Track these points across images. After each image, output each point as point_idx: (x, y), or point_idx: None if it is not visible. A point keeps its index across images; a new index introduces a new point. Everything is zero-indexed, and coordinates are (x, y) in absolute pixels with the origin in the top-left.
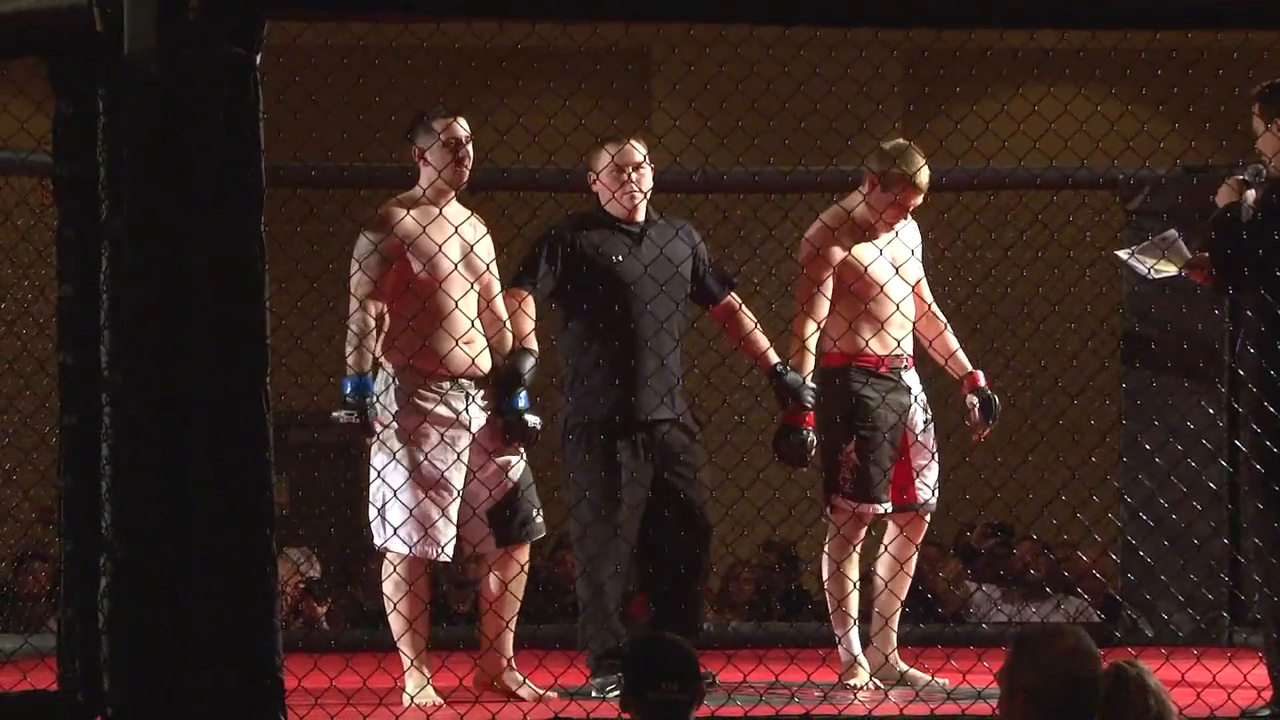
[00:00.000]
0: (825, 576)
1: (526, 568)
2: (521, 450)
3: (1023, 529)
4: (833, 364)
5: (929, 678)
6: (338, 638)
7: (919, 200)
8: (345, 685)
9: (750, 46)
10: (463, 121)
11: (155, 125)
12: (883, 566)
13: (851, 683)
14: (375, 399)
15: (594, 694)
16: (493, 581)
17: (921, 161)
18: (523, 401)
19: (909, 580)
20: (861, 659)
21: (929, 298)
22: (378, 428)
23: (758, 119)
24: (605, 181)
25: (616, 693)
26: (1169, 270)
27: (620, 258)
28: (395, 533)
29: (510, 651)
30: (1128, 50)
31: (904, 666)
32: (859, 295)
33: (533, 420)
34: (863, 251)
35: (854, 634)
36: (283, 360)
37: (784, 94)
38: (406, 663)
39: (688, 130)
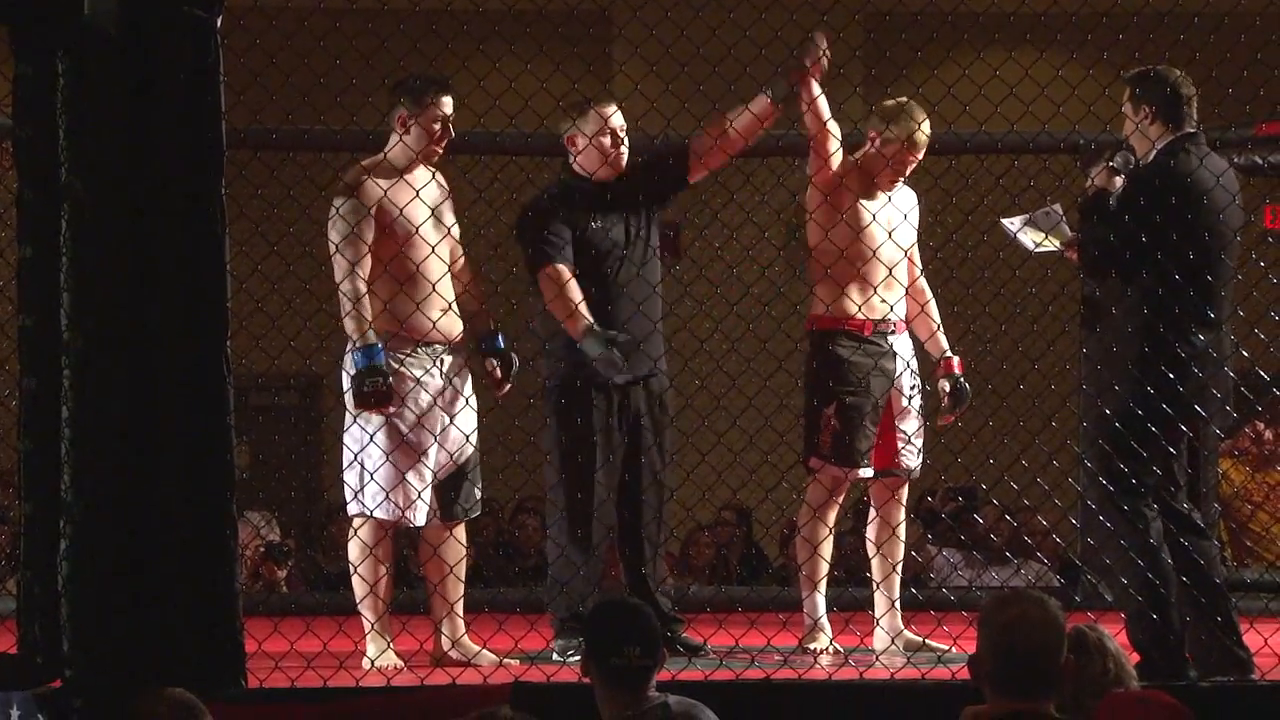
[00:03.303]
0: (799, 537)
1: (465, 544)
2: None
3: (984, 494)
4: (822, 327)
5: (921, 639)
6: (298, 601)
7: (916, 158)
8: (305, 648)
9: (712, 10)
10: (451, 100)
11: (115, 88)
12: (873, 534)
13: (812, 646)
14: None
15: (555, 657)
16: (434, 559)
17: (920, 120)
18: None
19: (902, 545)
20: (824, 623)
21: (919, 269)
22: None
23: (719, 82)
24: (595, 143)
25: (578, 657)
26: (1052, 247)
27: (600, 220)
28: (361, 496)
29: (462, 629)
30: (1089, 14)
31: (919, 638)
32: (850, 259)
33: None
34: (859, 211)
35: (819, 597)
36: (243, 323)
37: (745, 58)
38: (368, 626)
39: (649, 93)
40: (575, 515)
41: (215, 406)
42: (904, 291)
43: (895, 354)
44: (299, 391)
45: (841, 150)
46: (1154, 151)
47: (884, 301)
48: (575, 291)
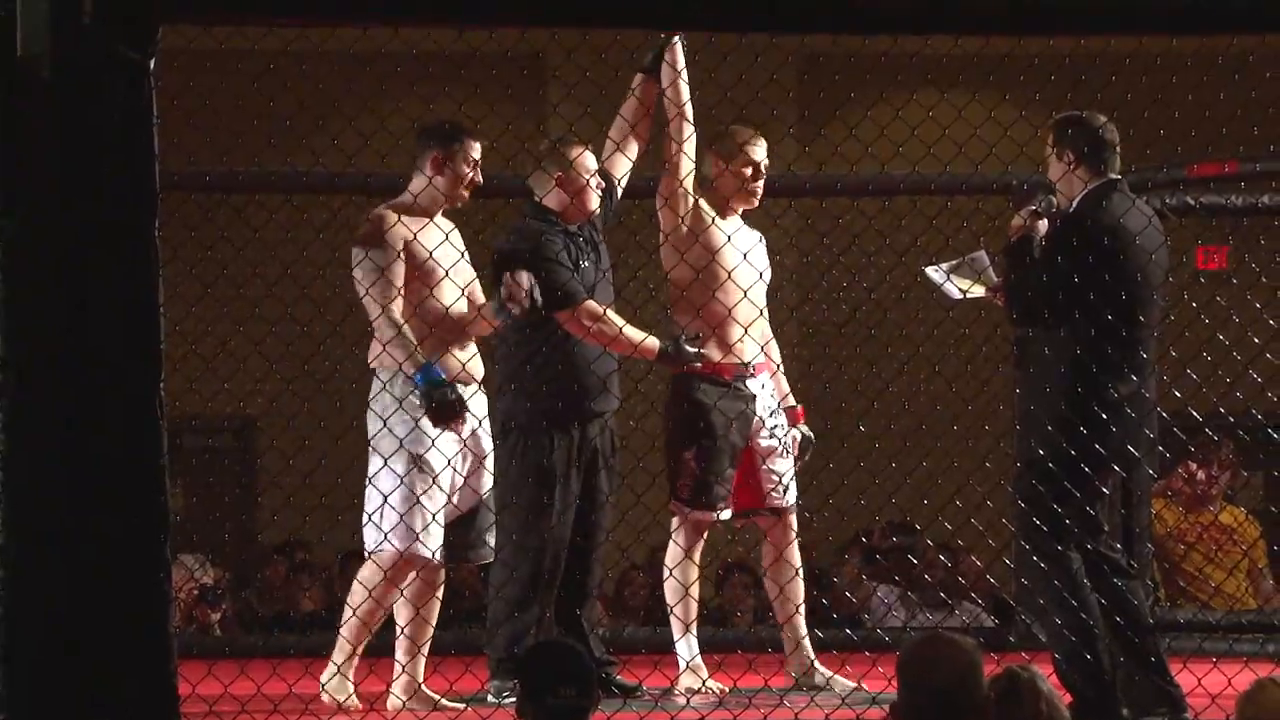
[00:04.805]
0: (665, 581)
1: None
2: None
3: (918, 533)
4: (679, 371)
5: (853, 684)
6: (232, 644)
7: (754, 170)
8: (239, 692)
9: (645, 52)
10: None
11: (48, 128)
12: (769, 573)
13: (687, 685)
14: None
15: (490, 698)
16: (407, 596)
17: (750, 133)
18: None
19: (800, 580)
20: (698, 663)
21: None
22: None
23: (653, 124)
24: (585, 184)
25: (513, 699)
26: (978, 293)
27: (586, 261)
28: (394, 534)
29: (421, 674)
30: (1021, 56)
31: (827, 673)
32: (706, 296)
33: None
34: (714, 237)
35: (692, 639)
36: (177, 365)
37: None
38: (341, 659)
39: (584, 135)
40: (519, 555)
41: (149, 448)
42: (746, 331)
43: (751, 396)
44: (233, 433)
45: (691, 156)
46: (1080, 197)
47: (741, 343)
48: (619, 320)
